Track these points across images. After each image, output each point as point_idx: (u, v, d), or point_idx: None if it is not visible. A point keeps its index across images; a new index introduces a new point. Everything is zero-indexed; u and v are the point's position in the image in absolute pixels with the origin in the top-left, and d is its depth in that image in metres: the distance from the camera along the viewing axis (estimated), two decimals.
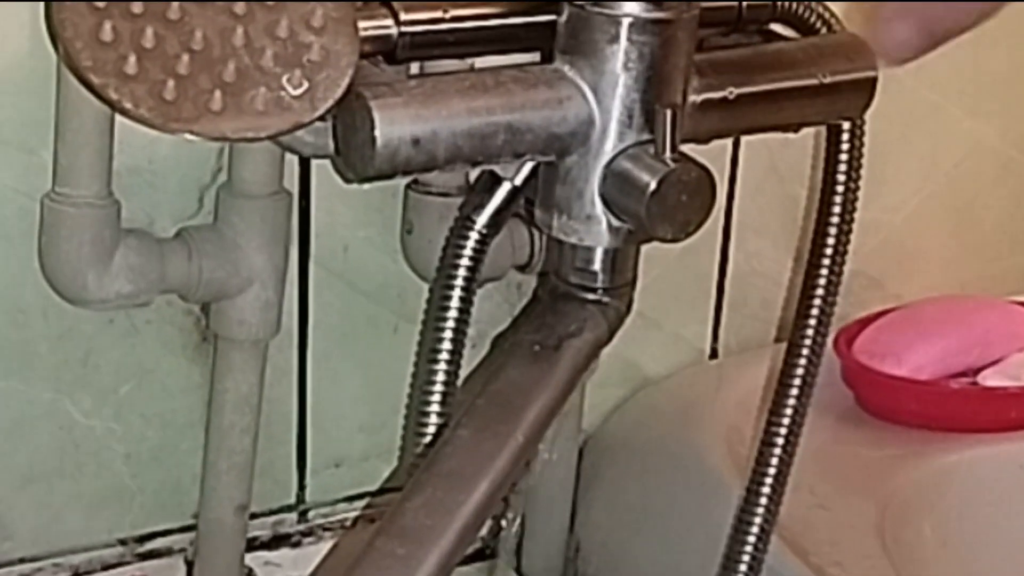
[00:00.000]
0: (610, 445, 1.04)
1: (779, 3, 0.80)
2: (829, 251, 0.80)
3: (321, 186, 0.91)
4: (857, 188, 0.80)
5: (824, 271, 0.80)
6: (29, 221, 0.82)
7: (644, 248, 0.69)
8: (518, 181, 0.69)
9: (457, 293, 0.70)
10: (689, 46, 0.66)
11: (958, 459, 1.00)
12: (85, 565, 0.93)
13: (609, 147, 0.65)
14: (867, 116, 0.78)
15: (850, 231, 0.80)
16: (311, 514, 0.99)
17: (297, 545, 0.99)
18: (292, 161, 0.88)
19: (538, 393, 0.64)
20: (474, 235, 0.69)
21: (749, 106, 0.71)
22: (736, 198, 1.05)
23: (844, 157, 0.80)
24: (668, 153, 0.64)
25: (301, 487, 0.99)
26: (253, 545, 0.96)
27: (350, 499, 1.00)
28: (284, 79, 0.64)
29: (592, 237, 0.67)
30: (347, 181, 0.87)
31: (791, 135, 0.77)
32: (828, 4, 0.80)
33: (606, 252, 0.67)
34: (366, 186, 0.76)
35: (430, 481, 0.60)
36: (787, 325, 0.96)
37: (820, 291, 0.80)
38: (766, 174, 1.05)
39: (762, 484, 0.81)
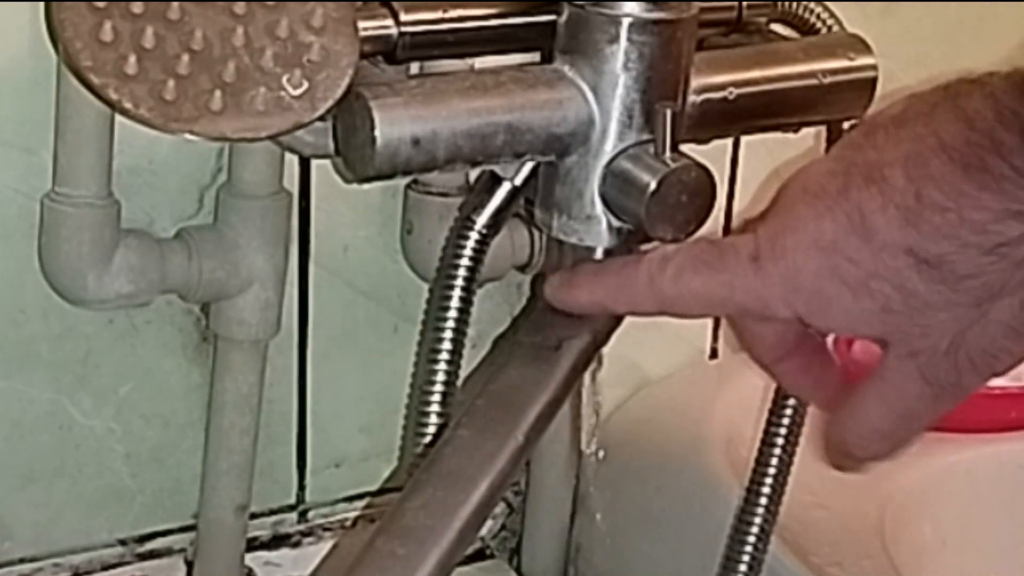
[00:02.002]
0: (610, 445, 1.04)
1: (779, 3, 0.80)
2: None
3: (321, 186, 0.91)
4: None
5: None
6: (29, 221, 0.82)
7: (644, 248, 0.69)
8: (518, 181, 0.69)
9: (457, 293, 0.70)
10: (689, 46, 0.66)
11: (958, 459, 1.00)
12: (85, 565, 0.93)
13: (609, 147, 0.65)
14: (867, 116, 0.78)
15: None
16: (311, 514, 0.99)
17: (297, 545, 0.99)
18: (292, 161, 0.88)
19: (538, 393, 0.64)
20: (474, 235, 0.69)
21: (749, 106, 0.71)
22: (736, 198, 1.05)
23: None
24: (668, 153, 0.64)
25: (301, 487, 0.99)
26: (253, 545, 0.96)
27: (350, 499, 1.00)
28: (284, 79, 0.64)
29: (592, 237, 0.67)
30: (347, 181, 0.87)
31: (791, 135, 0.77)
32: (828, 4, 0.80)
33: (606, 252, 0.67)
34: (366, 186, 0.76)
35: (430, 481, 0.60)
36: None
37: None
38: (766, 174, 1.05)
39: (762, 484, 0.81)
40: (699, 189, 0.65)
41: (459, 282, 0.70)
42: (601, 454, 1.02)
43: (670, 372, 1.08)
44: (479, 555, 1.06)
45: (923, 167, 0.56)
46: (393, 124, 0.62)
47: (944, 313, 0.57)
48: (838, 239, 0.58)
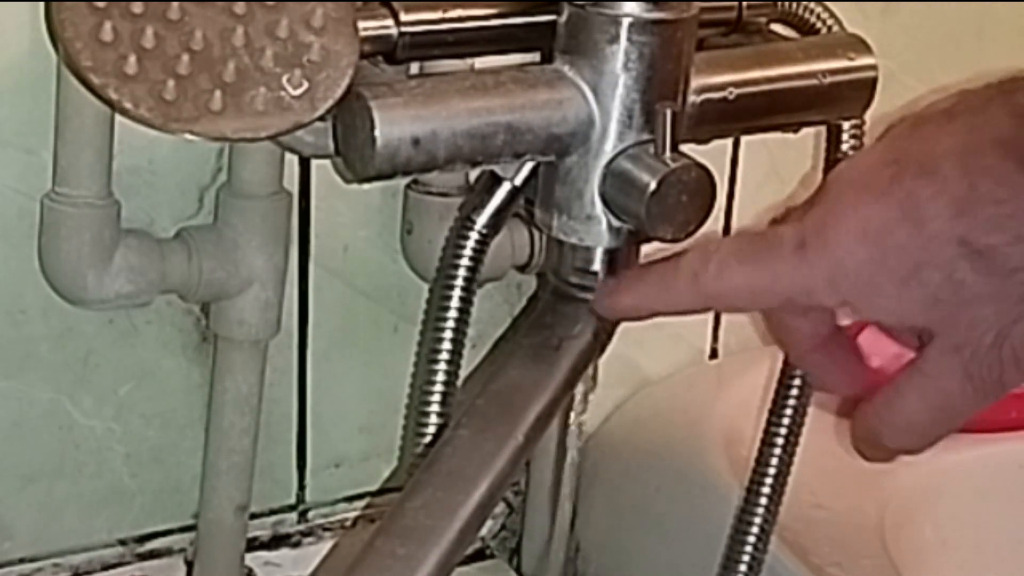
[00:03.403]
0: (610, 445, 1.04)
1: (779, 3, 0.80)
2: None
3: (321, 186, 0.91)
4: None
5: None
6: (29, 221, 0.82)
7: (644, 248, 0.69)
8: (518, 181, 0.69)
9: (457, 293, 0.70)
10: (689, 46, 0.66)
11: (958, 459, 1.00)
12: (85, 565, 0.93)
13: (609, 147, 0.65)
14: (867, 116, 0.78)
15: None
16: (311, 514, 0.99)
17: (297, 545, 0.99)
18: (292, 161, 0.88)
19: (538, 393, 0.64)
20: (474, 235, 0.70)
21: (749, 106, 0.71)
22: (736, 198, 1.05)
23: (844, 157, 0.80)
24: (668, 153, 0.64)
25: (301, 487, 0.99)
26: (253, 545, 0.96)
27: (350, 499, 1.00)
28: (284, 79, 0.64)
29: (592, 237, 0.67)
30: (347, 181, 0.87)
31: (791, 135, 0.77)
32: (828, 4, 0.80)
33: (606, 252, 0.67)
34: (366, 186, 0.76)
35: (430, 481, 0.60)
36: None
37: None
38: (766, 174, 1.05)
39: (762, 484, 0.81)
40: (699, 189, 0.65)
41: (459, 282, 0.70)
42: (584, 424, 1.02)
43: (670, 372, 1.08)
44: (479, 555, 1.06)
45: (978, 159, 0.56)
46: (393, 124, 0.62)
47: (992, 306, 0.56)
48: (889, 226, 0.57)
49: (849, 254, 0.58)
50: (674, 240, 0.65)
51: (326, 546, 1.00)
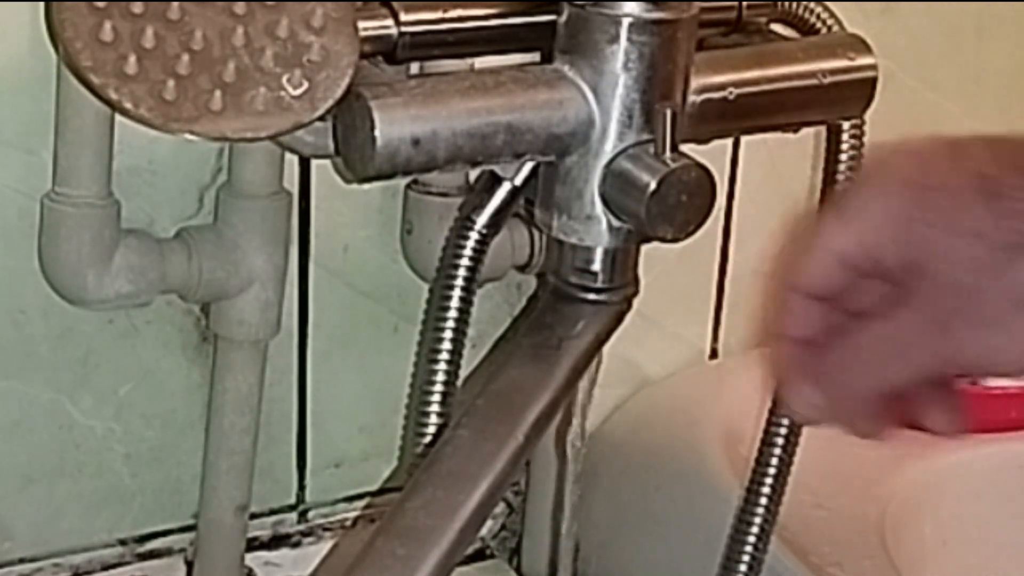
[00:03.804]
0: (610, 445, 1.04)
1: (779, 3, 0.80)
2: None
3: (321, 186, 0.91)
4: None
5: None
6: (29, 221, 0.82)
7: (644, 248, 0.69)
8: (518, 181, 0.69)
9: (457, 293, 0.70)
10: (689, 46, 0.66)
11: (958, 459, 1.00)
12: (85, 565, 0.93)
13: (609, 147, 0.65)
14: (867, 116, 0.78)
15: None
16: (311, 514, 0.99)
17: (297, 545, 0.99)
18: (292, 161, 0.88)
19: (538, 393, 0.64)
20: (474, 235, 0.69)
21: (749, 106, 0.71)
22: (736, 198, 1.05)
23: (844, 157, 0.80)
24: (668, 153, 0.64)
25: (301, 487, 0.99)
26: (253, 545, 0.96)
27: (350, 499, 1.00)
28: (284, 79, 0.64)
29: (592, 237, 0.67)
30: (347, 181, 0.87)
31: (791, 135, 0.77)
32: (828, 4, 0.80)
33: (606, 252, 0.67)
34: (366, 186, 0.76)
35: (430, 481, 0.60)
36: None
37: None
38: (766, 174, 1.05)
39: (762, 484, 0.82)
40: (699, 189, 0.65)
41: (459, 282, 0.70)
42: (578, 443, 1.01)
43: (670, 372, 1.08)
44: (479, 555, 1.06)
45: None
46: (393, 124, 0.62)
47: (975, 243, 0.57)
48: (933, 157, 0.60)
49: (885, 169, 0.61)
50: (674, 240, 0.65)
51: (326, 546, 1.00)
